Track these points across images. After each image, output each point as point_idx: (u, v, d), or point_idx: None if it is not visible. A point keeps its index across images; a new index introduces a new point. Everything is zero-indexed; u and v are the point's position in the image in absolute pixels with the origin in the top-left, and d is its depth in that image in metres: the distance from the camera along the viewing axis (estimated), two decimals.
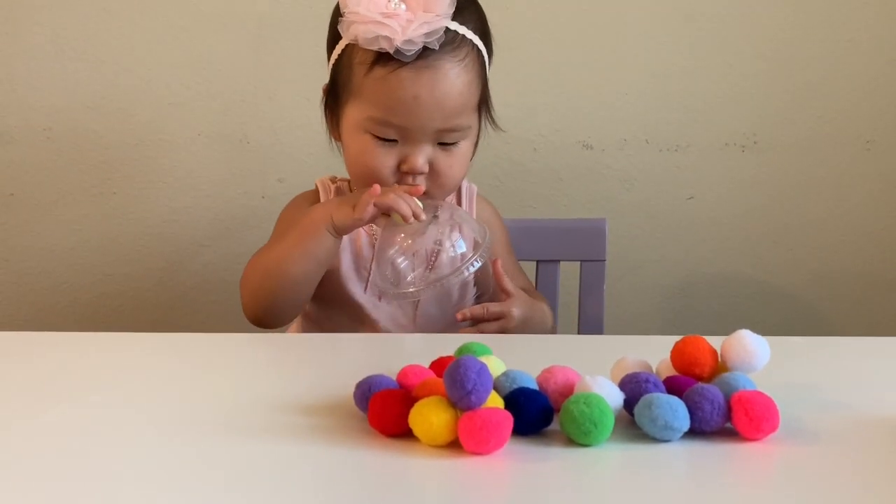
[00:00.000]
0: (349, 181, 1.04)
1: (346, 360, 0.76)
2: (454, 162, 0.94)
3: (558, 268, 1.15)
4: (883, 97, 1.36)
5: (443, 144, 0.94)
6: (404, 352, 0.79)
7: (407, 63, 0.88)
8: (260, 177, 1.35)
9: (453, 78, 0.90)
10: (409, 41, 0.87)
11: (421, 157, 0.92)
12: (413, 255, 0.90)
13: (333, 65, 0.96)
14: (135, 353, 0.76)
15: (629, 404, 0.55)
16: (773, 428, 0.54)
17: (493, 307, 0.91)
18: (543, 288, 1.15)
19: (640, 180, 1.37)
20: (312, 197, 1.04)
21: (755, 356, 0.59)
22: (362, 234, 1.00)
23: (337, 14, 0.94)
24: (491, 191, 1.35)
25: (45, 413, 0.59)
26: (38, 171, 1.34)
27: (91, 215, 1.35)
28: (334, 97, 0.97)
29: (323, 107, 1.00)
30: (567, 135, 1.36)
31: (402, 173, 0.93)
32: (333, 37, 0.95)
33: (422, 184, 0.94)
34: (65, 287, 1.37)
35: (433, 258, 0.93)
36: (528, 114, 1.35)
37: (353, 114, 0.94)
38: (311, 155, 1.34)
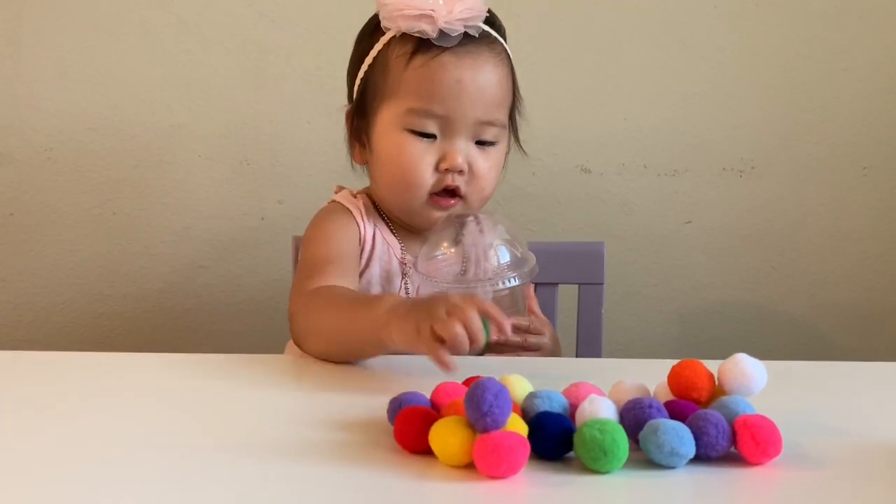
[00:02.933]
0: (368, 195, 0.99)
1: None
2: (491, 164, 0.94)
3: (557, 291, 1.15)
4: (880, 124, 1.37)
5: (480, 144, 0.93)
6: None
7: (447, 49, 0.90)
8: (259, 198, 1.36)
9: (492, 67, 0.93)
10: (450, 23, 0.89)
11: (460, 154, 0.92)
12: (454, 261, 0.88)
13: (362, 79, 0.96)
14: (133, 374, 0.76)
15: (632, 430, 0.55)
16: (777, 452, 0.54)
17: (532, 338, 0.91)
18: (542, 311, 1.15)
19: (638, 205, 1.38)
20: (343, 214, 0.97)
21: (752, 380, 0.59)
22: (394, 259, 0.96)
23: (362, 36, 0.96)
24: None
25: (43, 433, 0.59)
26: (37, 191, 1.34)
27: (90, 236, 1.35)
28: (361, 114, 0.96)
29: (347, 130, 0.99)
30: (565, 159, 1.37)
31: (441, 172, 0.92)
32: (359, 55, 0.96)
33: (461, 184, 0.92)
34: (63, 307, 1.37)
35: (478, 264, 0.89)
36: (527, 138, 1.35)
37: (390, 114, 0.93)
38: (310, 177, 1.35)
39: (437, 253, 0.88)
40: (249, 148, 1.35)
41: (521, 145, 1.02)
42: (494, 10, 0.96)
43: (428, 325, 0.67)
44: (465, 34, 0.90)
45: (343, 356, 0.81)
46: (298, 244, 1.11)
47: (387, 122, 0.93)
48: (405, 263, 0.96)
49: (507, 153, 1.00)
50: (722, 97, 1.36)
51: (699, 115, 1.36)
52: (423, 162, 0.92)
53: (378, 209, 0.99)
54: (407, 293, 0.97)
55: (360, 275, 0.96)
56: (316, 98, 1.33)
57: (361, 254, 0.96)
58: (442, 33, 0.89)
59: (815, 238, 1.39)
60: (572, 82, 1.35)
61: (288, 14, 1.33)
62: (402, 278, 0.97)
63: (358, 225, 0.97)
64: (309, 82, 1.33)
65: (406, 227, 0.98)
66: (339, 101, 1.33)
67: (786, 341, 1.41)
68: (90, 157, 1.34)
